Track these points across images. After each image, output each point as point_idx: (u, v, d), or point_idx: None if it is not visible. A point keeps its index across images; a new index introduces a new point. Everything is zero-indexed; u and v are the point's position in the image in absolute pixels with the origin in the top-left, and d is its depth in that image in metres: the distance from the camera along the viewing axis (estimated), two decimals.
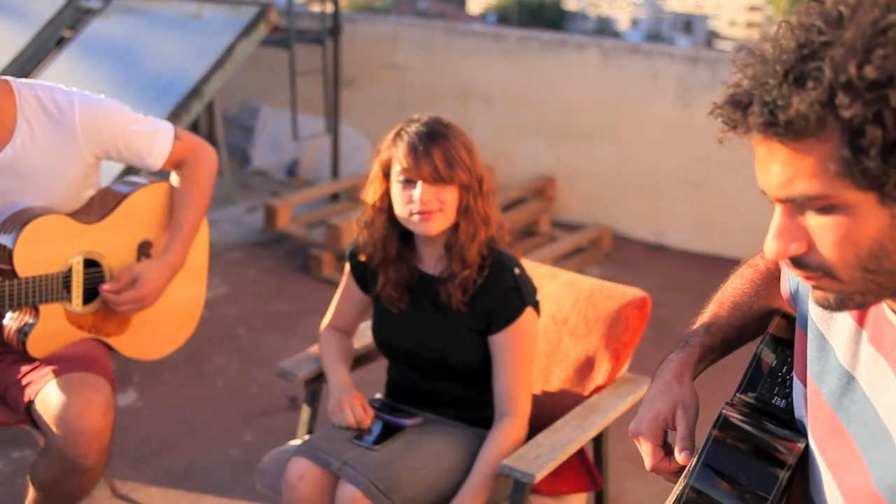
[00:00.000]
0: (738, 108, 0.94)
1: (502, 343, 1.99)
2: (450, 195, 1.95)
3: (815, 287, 1.00)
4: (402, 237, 2.06)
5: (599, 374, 2.18)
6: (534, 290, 2.04)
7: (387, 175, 2.01)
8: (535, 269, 2.33)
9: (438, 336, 2.04)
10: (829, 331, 1.13)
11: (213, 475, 2.87)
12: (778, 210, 0.98)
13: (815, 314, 1.16)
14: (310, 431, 2.24)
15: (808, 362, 1.17)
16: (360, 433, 2.01)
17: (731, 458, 1.17)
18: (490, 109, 5.52)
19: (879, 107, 0.87)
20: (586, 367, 2.20)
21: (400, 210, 1.98)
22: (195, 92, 4.09)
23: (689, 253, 5.10)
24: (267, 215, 4.79)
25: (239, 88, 6.28)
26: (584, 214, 5.35)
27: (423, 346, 2.06)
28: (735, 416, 1.21)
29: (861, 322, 1.08)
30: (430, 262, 2.07)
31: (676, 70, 5.01)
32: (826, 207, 0.93)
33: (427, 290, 2.06)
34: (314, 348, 2.27)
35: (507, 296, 1.99)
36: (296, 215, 4.94)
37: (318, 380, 2.23)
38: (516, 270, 2.02)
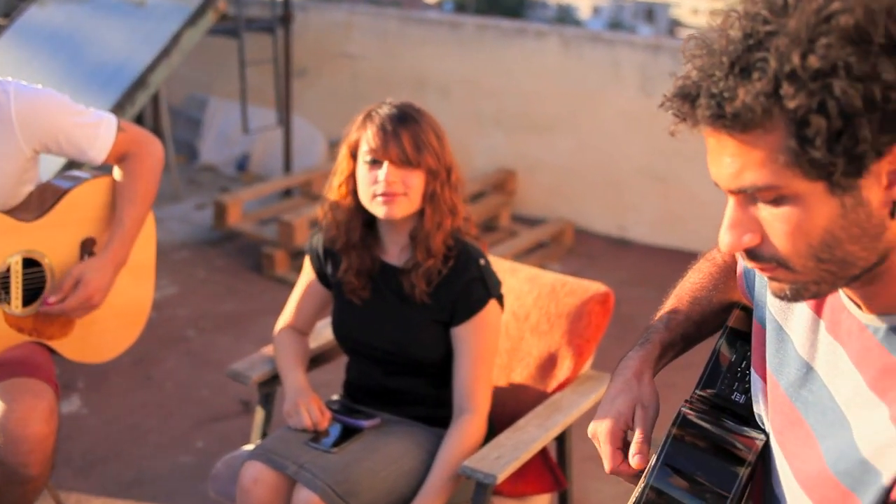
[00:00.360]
0: (687, 100, 0.97)
1: (464, 335, 2.01)
2: (416, 179, 1.97)
3: (770, 278, 1.03)
4: (366, 224, 2.08)
5: (562, 372, 2.20)
6: (498, 283, 2.06)
7: (354, 157, 2.03)
8: (496, 265, 2.34)
9: (401, 328, 2.05)
10: (787, 322, 1.16)
11: (163, 483, 2.85)
12: (731, 202, 1.01)
13: (773, 306, 1.19)
14: (264, 435, 2.24)
15: (767, 354, 1.20)
16: (316, 436, 2.01)
17: (690, 456, 1.19)
18: (447, 100, 5.53)
19: (823, 96, 0.89)
20: (548, 364, 2.22)
21: (364, 192, 2.00)
22: (140, 82, 4.05)
23: (652, 247, 5.16)
24: (216, 212, 4.76)
25: (186, 80, 6.22)
26: (545, 208, 5.38)
27: (385, 338, 2.07)
28: (694, 414, 1.24)
29: (818, 311, 1.11)
30: (394, 252, 2.08)
31: (638, 59, 5.07)
32: (777, 198, 0.96)
33: (390, 280, 2.07)
34: (268, 349, 2.26)
35: (472, 286, 2.01)
36: (247, 212, 4.92)
37: (272, 382, 2.22)
38: (482, 262, 2.04)
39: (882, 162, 0.92)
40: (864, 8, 0.90)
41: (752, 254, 1.01)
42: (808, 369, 1.12)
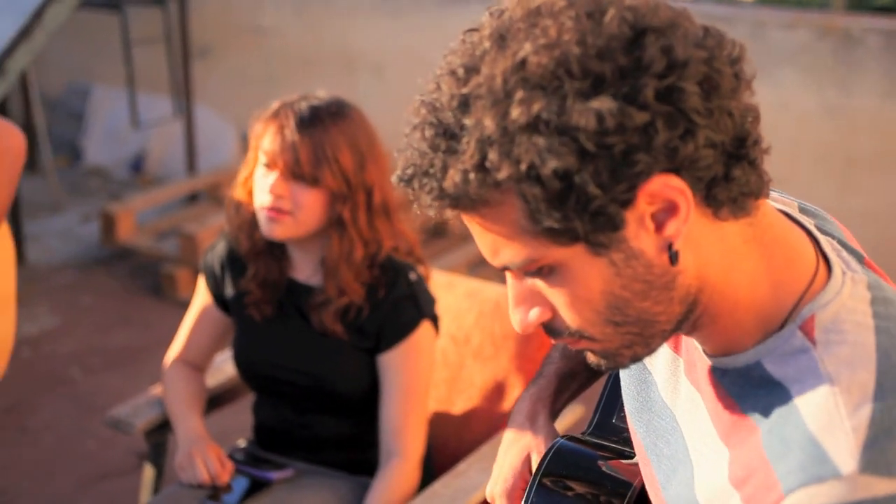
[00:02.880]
0: (409, 184, 0.98)
1: (392, 364, 2.05)
2: (309, 199, 1.98)
3: (581, 350, 1.05)
4: None
5: (511, 403, 2.24)
6: (432, 301, 2.10)
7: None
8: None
9: (316, 356, 2.08)
10: (652, 359, 1.17)
11: None
12: (508, 278, 1.02)
13: None
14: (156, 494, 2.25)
15: (625, 397, 1.23)
16: (215, 492, 2.03)
17: None
18: (381, 80, 5.56)
19: (531, 159, 0.89)
20: (495, 395, 2.26)
21: (255, 198, 2.03)
22: None
23: None
24: (103, 225, 4.73)
25: (62, 64, 6.18)
26: None
27: (295, 368, 2.09)
28: (566, 452, 1.28)
29: (677, 348, 1.13)
30: (305, 271, 2.11)
31: None
32: (541, 270, 0.97)
33: (300, 301, 2.10)
34: (157, 389, 2.28)
35: (401, 306, 2.04)
36: (142, 224, 4.89)
37: (163, 429, 2.24)
38: (412, 276, 2.07)
39: (636, 208, 0.92)
40: (550, 45, 0.90)
41: (549, 329, 1.02)
42: (670, 417, 1.14)
